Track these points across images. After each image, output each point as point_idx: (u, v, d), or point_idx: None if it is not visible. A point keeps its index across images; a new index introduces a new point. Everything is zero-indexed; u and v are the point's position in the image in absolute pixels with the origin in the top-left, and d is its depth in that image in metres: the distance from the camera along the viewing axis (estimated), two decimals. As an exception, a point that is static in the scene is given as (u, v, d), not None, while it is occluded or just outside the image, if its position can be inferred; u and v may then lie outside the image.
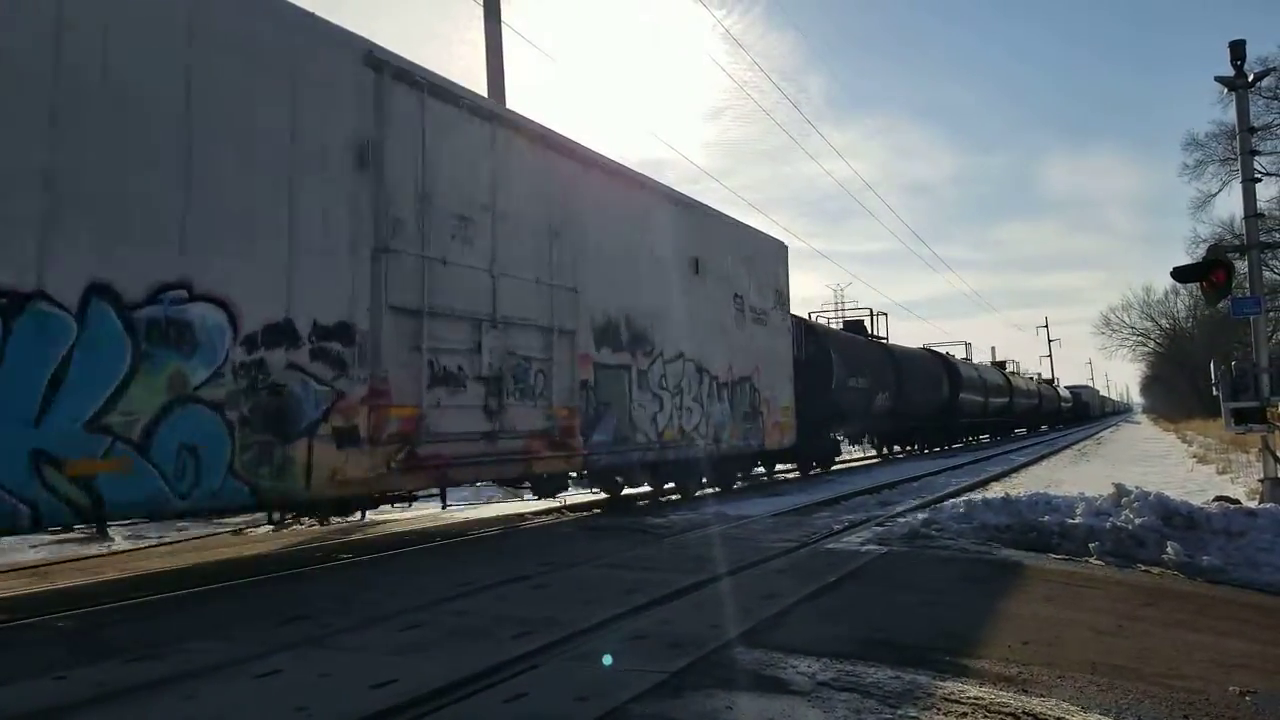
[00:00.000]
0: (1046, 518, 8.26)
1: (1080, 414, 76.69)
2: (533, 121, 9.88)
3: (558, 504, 13.20)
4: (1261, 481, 11.27)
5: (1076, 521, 8.09)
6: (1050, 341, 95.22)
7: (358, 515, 12.17)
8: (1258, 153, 13.13)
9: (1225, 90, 12.20)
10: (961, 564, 7.16)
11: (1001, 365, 49.95)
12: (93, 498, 5.55)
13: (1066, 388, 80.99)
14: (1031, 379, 58.91)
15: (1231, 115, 13.41)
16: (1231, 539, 7.60)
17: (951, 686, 3.78)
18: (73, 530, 10.08)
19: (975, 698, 3.63)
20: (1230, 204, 45.51)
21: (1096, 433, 51.41)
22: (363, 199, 7.48)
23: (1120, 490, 8.46)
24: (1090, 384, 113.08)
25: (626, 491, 13.53)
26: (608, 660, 4.13)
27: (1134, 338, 75.73)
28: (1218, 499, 9.75)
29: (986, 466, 21.59)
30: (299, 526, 11.49)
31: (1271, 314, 30.70)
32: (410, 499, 9.48)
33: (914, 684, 3.78)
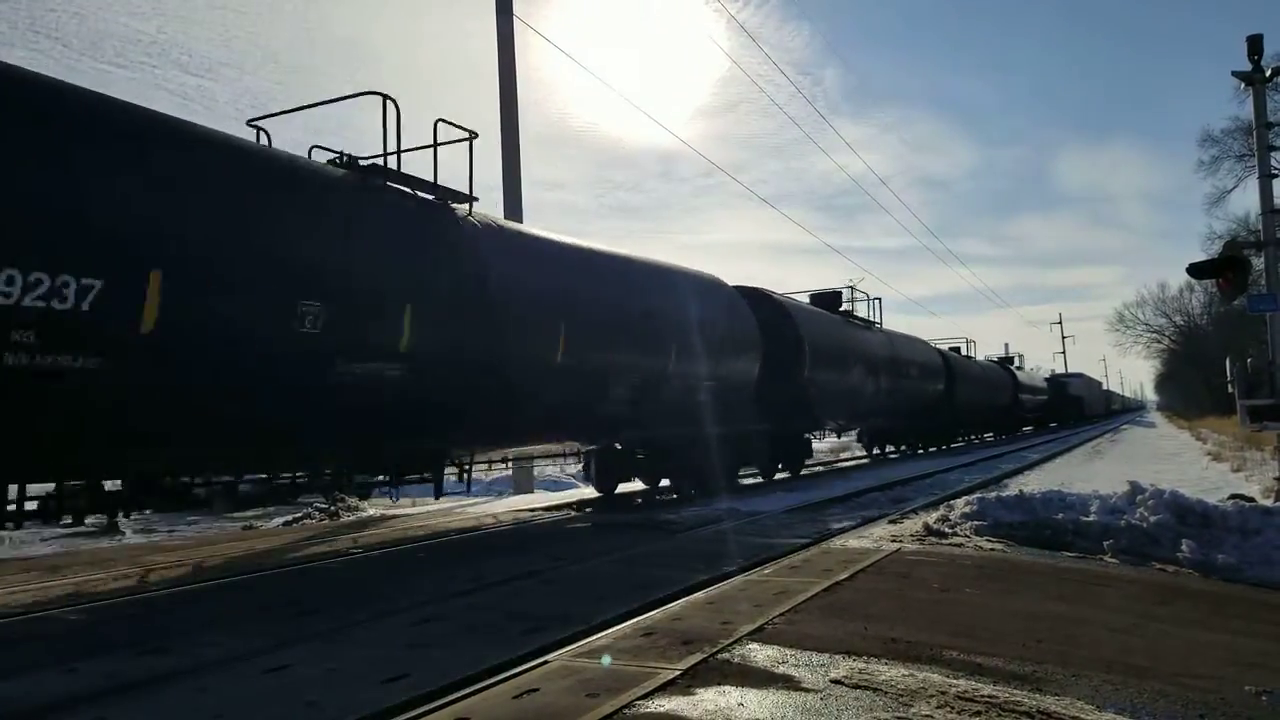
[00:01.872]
0: (1061, 515, 8.19)
1: (1067, 413, 56.40)
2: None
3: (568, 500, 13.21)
4: (1277, 479, 11.18)
5: (1091, 519, 8.02)
6: (1064, 338, 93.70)
7: (372, 510, 12.13)
8: (1275, 148, 13.00)
9: (1242, 85, 12.06)
10: (975, 561, 7.12)
11: (847, 312, 20.42)
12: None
13: (1046, 377, 57.95)
14: (938, 347, 29.12)
15: (1248, 110, 13.25)
16: (1247, 537, 7.51)
17: (965, 684, 3.75)
18: (84, 523, 10.08)
19: (989, 696, 3.60)
20: (1246, 200, 45.09)
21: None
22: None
23: (1135, 488, 8.38)
24: (1101, 376, 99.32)
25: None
26: (610, 660, 4.10)
27: (1148, 334, 75.00)
28: (1233, 497, 9.66)
29: (999, 464, 21.46)
30: (309, 521, 11.52)
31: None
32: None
33: (927, 682, 3.75)
